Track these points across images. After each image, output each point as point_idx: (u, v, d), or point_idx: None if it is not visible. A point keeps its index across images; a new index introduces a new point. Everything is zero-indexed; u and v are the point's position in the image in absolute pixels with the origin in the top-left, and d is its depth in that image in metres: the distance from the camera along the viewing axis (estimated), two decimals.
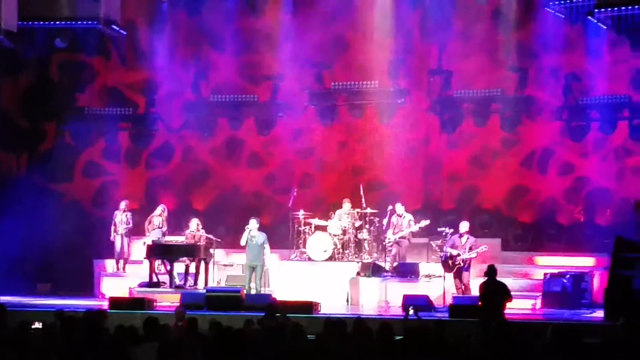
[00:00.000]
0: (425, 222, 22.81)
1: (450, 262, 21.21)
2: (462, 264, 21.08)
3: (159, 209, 24.02)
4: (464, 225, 21.37)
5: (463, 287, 21.09)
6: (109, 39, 25.64)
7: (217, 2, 25.41)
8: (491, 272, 16.87)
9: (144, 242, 23.37)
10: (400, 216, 22.93)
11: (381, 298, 22.13)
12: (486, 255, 21.63)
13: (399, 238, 22.82)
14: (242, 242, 22.11)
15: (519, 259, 24.03)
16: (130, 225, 24.28)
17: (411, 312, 18.40)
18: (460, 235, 21.27)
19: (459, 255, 21.02)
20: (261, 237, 22.05)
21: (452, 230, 21.90)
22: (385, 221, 23.02)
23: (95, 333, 11.92)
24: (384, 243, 23.17)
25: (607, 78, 24.68)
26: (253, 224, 22.12)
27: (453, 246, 21.22)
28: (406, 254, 23.00)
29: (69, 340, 11.61)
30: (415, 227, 22.76)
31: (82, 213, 26.72)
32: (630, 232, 20.44)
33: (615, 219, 24.56)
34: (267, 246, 22.04)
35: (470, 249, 21.08)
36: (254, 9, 25.96)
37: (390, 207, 23.01)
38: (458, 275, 21.18)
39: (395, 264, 22.78)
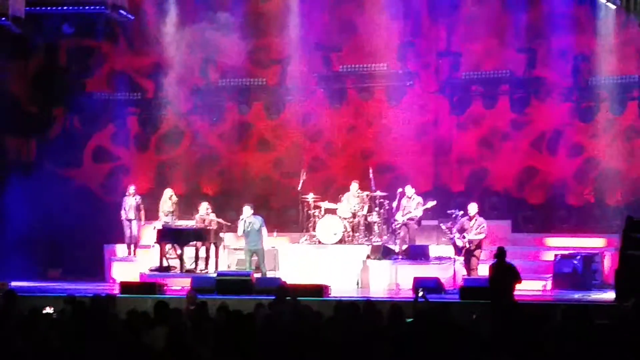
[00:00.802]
0: (431, 203, 22.78)
1: (460, 246, 21.19)
2: (469, 246, 21.02)
3: (166, 194, 24.00)
4: (473, 207, 21.33)
5: (471, 270, 21.04)
6: (117, 24, 25.62)
7: None
8: (500, 254, 16.86)
9: (154, 227, 23.40)
10: (410, 198, 22.91)
11: (391, 281, 22.13)
12: (496, 237, 21.61)
13: (407, 220, 22.79)
14: (240, 233, 22.07)
15: (529, 240, 24.02)
16: (142, 210, 24.32)
17: (421, 294, 18.37)
18: (470, 218, 21.22)
19: (465, 243, 20.98)
20: (257, 221, 22.00)
21: (462, 212, 21.86)
22: (395, 204, 23.00)
23: (104, 318, 11.95)
24: (392, 226, 23.16)
25: (616, 58, 24.57)
26: (247, 211, 22.07)
27: (462, 229, 21.15)
28: (415, 237, 22.99)
29: (80, 325, 11.63)
30: (420, 210, 22.70)
31: (91, 198, 26.75)
32: None
33: (626, 199, 24.51)
34: (264, 229, 22.00)
35: (478, 229, 21.03)
36: None
37: (400, 190, 22.98)
38: (468, 258, 21.13)
39: (405, 246, 22.77)
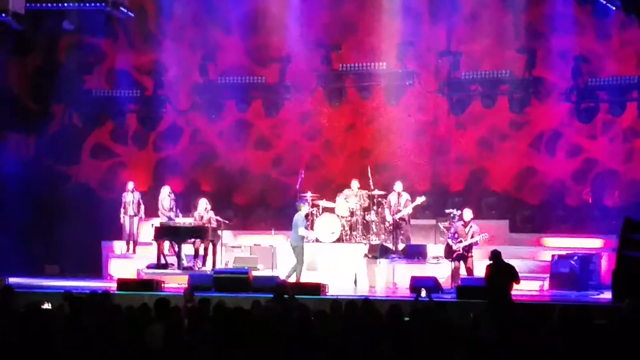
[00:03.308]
0: (420, 199, 22.81)
1: (451, 250, 21.13)
2: (462, 251, 20.96)
3: (165, 191, 24.01)
4: (468, 213, 21.23)
5: (467, 270, 21.03)
6: (117, 21, 25.60)
7: None
8: (495, 256, 16.79)
9: (152, 224, 23.41)
10: (399, 195, 22.95)
11: (389, 280, 22.16)
12: (494, 237, 21.61)
13: (398, 219, 22.85)
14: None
15: (527, 240, 24.03)
16: (142, 205, 24.36)
17: (423, 294, 18.40)
18: (465, 224, 21.13)
19: (458, 248, 20.93)
20: (296, 218, 21.76)
21: (460, 212, 21.84)
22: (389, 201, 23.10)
23: (101, 314, 11.96)
24: (384, 226, 23.23)
25: (615, 59, 24.60)
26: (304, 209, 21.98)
27: (456, 235, 21.04)
28: (410, 235, 23.03)
29: (77, 322, 11.65)
30: (409, 208, 22.73)
31: (90, 195, 26.76)
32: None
33: (623, 200, 24.54)
34: (299, 227, 21.68)
35: (472, 236, 20.98)
36: None
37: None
38: (460, 260, 21.03)
39: (402, 245, 22.80)
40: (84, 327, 11.29)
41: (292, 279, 20.93)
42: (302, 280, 20.92)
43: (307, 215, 22.36)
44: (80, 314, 12.14)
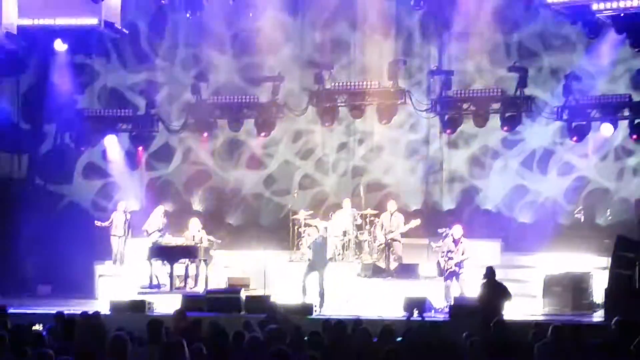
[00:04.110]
0: (415, 222, 22.82)
1: (443, 268, 21.12)
2: (453, 268, 20.94)
3: (158, 211, 24.01)
4: (457, 230, 21.23)
5: (460, 288, 21.01)
6: (109, 40, 25.61)
7: (217, 2, 25.30)
8: (490, 273, 16.81)
9: (149, 244, 23.31)
10: (392, 215, 22.96)
11: (383, 299, 21.99)
12: (487, 256, 21.59)
13: (390, 240, 22.85)
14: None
15: (518, 259, 23.98)
16: (129, 227, 24.29)
17: (416, 314, 18.40)
18: (455, 241, 21.10)
19: (450, 266, 20.91)
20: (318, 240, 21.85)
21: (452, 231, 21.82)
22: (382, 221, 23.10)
23: (93, 335, 11.91)
24: (376, 245, 23.21)
25: (607, 77, 24.69)
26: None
27: (447, 252, 21.01)
28: (401, 254, 23.01)
29: (69, 342, 11.60)
30: (404, 228, 22.77)
31: (82, 214, 26.69)
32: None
33: (615, 218, 24.56)
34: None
35: (463, 253, 20.97)
36: (254, 9, 25.83)
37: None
38: (452, 278, 21.01)
39: (394, 264, 22.78)
40: (75, 348, 11.23)
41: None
42: (293, 300, 20.82)
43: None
44: (71, 335, 12.10)
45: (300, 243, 23.52)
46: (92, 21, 24.00)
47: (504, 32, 25.65)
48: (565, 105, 23.98)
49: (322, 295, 21.13)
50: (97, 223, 24.60)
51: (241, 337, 11.26)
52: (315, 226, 22.66)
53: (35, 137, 27.12)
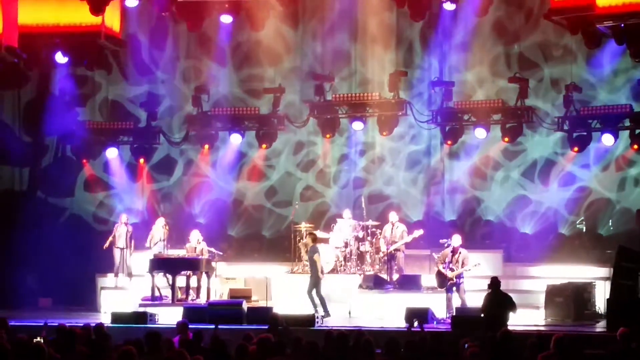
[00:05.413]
0: (418, 232, 22.82)
1: (443, 278, 21.06)
2: (454, 280, 20.89)
3: (159, 223, 24.00)
4: (457, 240, 21.17)
5: (460, 300, 20.96)
6: (111, 53, 25.66)
7: (218, 14, 25.33)
8: (495, 283, 16.81)
9: (152, 255, 23.26)
10: (394, 226, 22.95)
11: (383, 310, 21.98)
12: (488, 267, 21.59)
13: (394, 250, 22.83)
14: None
15: (520, 269, 23.98)
16: (132, 239, 24.21)
17: (416, 324, 18.33)
18: (453, 251, 21.05)
19: (451, 276, 20.86)
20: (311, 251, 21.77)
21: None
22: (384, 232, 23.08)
23: (96, 348, 11.89)
24: (378, 257, 23.18)
25: (607, 88, 24.74)
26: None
27: (447, 263, 20.96)
28: (403, 266, 22.99)
29: (69, 355, 11.58)
30: (408, 238, 22.75)
31: (83, 227, 26.69)
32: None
33: (617, 229, 24.56)
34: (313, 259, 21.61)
35: (463, 263, 20.92)
36: (254, 21, 25.84)
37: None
38: (453, 289, 20.97)
39: (396, 276, 22.76)
40: None
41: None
42: (295, 311, 20.78)
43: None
44: (73, 347, 12.07)
45: (301, 254, 23.50)
46: (93, 33, 23.99)
47: (504, 43, 25.71)
48: (566, 115, 23.98)
49: (324, 304, 21.10)
50: (105, 246, 24.39)
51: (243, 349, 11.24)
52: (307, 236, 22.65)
53: (36, 150, 27.13)
